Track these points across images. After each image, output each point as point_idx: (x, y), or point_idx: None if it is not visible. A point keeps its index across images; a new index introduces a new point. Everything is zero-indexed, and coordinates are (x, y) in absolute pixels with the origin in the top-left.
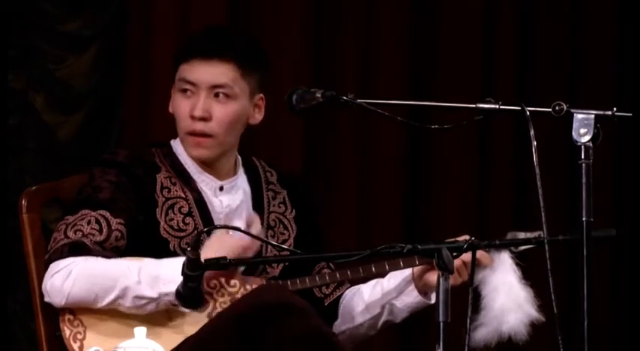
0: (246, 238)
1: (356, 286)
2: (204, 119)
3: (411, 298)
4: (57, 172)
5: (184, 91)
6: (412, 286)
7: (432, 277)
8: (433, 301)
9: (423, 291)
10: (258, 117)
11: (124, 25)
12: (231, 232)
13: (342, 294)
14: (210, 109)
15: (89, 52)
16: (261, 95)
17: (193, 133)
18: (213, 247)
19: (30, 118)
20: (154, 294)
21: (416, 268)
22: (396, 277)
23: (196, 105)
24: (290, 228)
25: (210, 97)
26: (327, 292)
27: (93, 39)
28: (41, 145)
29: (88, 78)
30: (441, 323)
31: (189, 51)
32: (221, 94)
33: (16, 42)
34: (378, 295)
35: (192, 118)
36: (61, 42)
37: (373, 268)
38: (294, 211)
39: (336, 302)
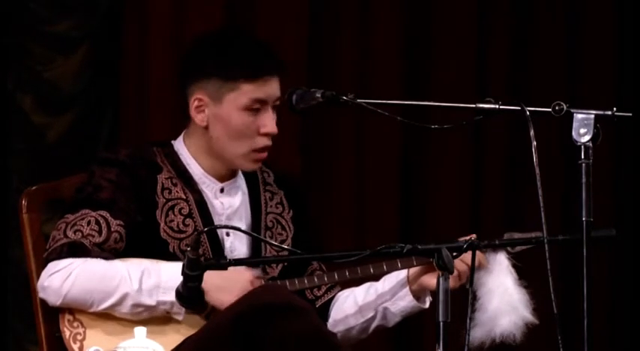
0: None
1: (349, 289)
2: (271, 135)
3: (404, 302)
4: (45, 174)
5: (251, 109)
6: (407, 289)
7: (428, 279)
8: (427, 306)
9: (417, 295)
10: None
11: (115, 26)
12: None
13: (333, 296)
14: None
15: (78, 53)
16: None
17: (261, 150)
18: (216, 289)
19: (18, 120)
20: (152, 302)
21: (411, 271)
22: (391, 280)
23: (269, 122)
24: (288, 228)
25: (271, 111)
26: (318, 294)
27: (82, 40)
28: (29, 146)
29: (76, 79)
30: (441, 323)
31: (255, 71)
32: (275, 106)
33: (3, 42)
34: (372, 297)
35: (263, 134)
36: (50, 43)
37: (371, 269)
38: (291, 211)
39: (327, 304)
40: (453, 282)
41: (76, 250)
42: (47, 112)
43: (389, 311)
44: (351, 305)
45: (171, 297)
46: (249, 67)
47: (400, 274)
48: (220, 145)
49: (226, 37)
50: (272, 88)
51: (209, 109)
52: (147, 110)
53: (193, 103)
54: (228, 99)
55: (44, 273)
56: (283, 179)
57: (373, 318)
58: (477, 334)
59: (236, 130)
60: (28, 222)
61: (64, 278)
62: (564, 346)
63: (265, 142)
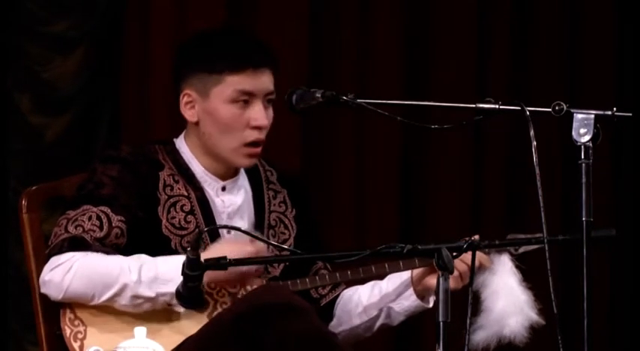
0: (253, 246)
1: (353, 288)
2: (262, 128)
3: (409, 302)
4: (43, 174)
5: (238, 101)
6: (411, 290)
7: (432, 280)
8: (431, 305)
9: (421, 295)
10: None
11: (115, 25)
12: (237, 235)
13: (338, 295)
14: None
15: (76, 53)
16: None
17: (252, 144)
18: (215, 248)
19: (16, 120)
20: (151, 294)
21: (415, 271)
22: (395, 280)
23: (258, 115)
24: (290, 227)
25: (262, 104)
26: (323, 293)
27: (80, 40)
28: (27, 146)
29: (74, 80)
30: (441, 323)
31: (239, 62)
32: (269, 101)
33: (1, 43)
34: (376, 297)
35: (253, 128)
36: (48, 43)
37: (373, 269)
38: (294, 210)
39: (332, 303)
40: (454, 283)
41: (77, 244)
42: (45, 112)
43: (393, 311)
44: (355, 304)
45: (170, 288)
46: (233, 59)
47: (404, 274)
48: (212, 141)
49: (215, 33)
50: (260, 81)
51: (198, 104)
52: (147, 110)
53: (183, 100)
54: (214, 93)
55: (46, 268)
56: (286, 178)
57: (377, 317)
58: (483, 336)
59: (224, 124)
60: (28, 222)
61: (64, 272)
62: (564, 346)
63: (256, 135)
